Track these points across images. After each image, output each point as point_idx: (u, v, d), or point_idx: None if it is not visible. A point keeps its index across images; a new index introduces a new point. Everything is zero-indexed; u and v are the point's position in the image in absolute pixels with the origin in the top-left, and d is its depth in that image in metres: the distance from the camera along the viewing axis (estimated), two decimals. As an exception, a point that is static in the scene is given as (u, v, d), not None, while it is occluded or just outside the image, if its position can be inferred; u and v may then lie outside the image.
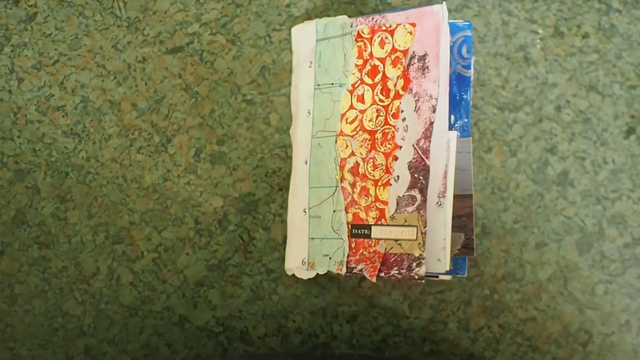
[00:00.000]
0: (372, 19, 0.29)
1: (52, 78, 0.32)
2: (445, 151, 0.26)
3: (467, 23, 0.30)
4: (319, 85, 0.30)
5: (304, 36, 0.30)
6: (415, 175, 0.27)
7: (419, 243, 0.26)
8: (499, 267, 0.31)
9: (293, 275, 0.30)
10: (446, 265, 0.26)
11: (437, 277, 0.29)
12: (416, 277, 0.26)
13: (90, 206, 0.31)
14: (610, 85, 0.30)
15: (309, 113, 0.30)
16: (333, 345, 0.31)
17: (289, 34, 0.31)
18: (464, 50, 0.30)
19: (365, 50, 0.29)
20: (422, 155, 0.27)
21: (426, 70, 0.27)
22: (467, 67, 0.30)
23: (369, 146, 0.28)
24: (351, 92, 0.29)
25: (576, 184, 0.30)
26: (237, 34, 0.31)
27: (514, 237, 0.31)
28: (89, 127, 0.32)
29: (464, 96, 0.30)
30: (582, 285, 0.30)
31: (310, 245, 0.30)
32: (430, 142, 0.26)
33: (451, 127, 0.30)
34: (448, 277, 0.30)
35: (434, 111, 0.27)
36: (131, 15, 0.32)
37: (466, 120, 0.30)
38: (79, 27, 0.32)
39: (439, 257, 0.26)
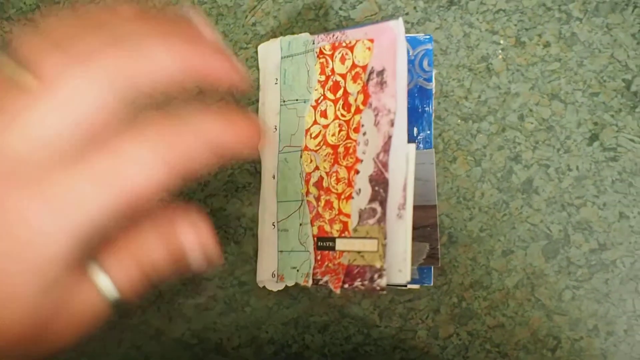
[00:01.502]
0: (333, 35, 0.29)
1: (28, 101, 0.33)
2: (405, 164, 0.27)
3: (427, 37, 0.30)
4: (284, 101, 0.31)
5: (270, 53, 0.31)
6: (376, 188, 0.27)
7: (380, 255, 0.27)
8: (466, 275, 0.31)
9: (264, 287, 0.31)
10: (407, 276, 0.26)
11: (405, 286, 0.30)
12: (378, 288, 0.26)
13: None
14: (573, 93, 0.31)
15: (276, 129, 0.31)
16: (306, 355, 0.31)
17: (255, 52, 0.32)
18: (425, 63, 0.31)
19: (327, 67, 0.30)
20: (382, 169, 0.27)
21: (384, 85, 0.27)
22: (429, 79, 0.30)
23: (332, 160, 0.29)
24: (315, 107, 0.30)
25: (541, 192, 0.31)
26: (205, 53, 0.32)
27: (481, 245, 0.31)
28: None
29: (426, 108, 0.31)
30: (550, 291, 0.31)
31: (279, 258, 0.30)
32: (389, 155, 0.27)
33: (414, 139, 0.31)
34: (416, 286, 0.30)
35: (392, 125, 0.27)
36: (102, 38, 0.32)
37: (429, 132, 0.31)
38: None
39: (400, 268, 0.26)
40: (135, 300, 0.22)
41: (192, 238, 0.21)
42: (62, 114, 0.19)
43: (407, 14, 0.31)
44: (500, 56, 0.31)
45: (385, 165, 0.27)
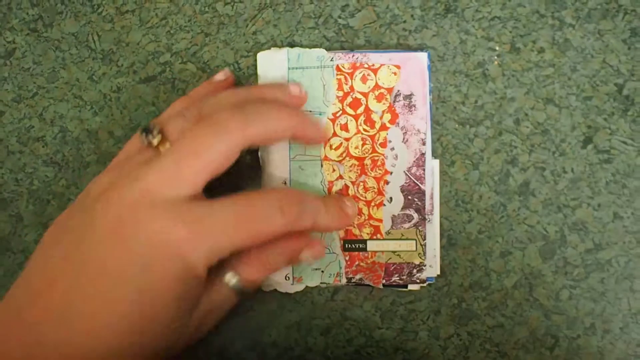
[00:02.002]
0: (353, 56, 0.31)
1: (31, 110, 0.33)
2: (431, 177, 0.31)
3: (425, 53, 0.31)
4: None
5: (272, 63, 0.32)
6: (409, 197, 0.31)
7: (419, 253, 0.31)
8: (465, 277, 0.32)
9: (273, 290, 0.31)
10: (437, 270, 0.31)
11: (406, 287, 0.31)
12: (418, 281, 0.31)
13: (72, 231, 0.33)
14: (567, 97, 0.32)
15: None
16: (308, 358, 0.32)
17: (256, 60, 0.32)
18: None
19: (346, 84, 0.31)
20: (416, 181, 0.31)
21: (413, 108, 0.31)
22: (429, 95, 0.32)
23: (359, 171, 0.31)
24: (333, 120, 0.32)
25: (537, 194, 0.32)
26: (207, 61, 0.33)
27: (479, 246, 0.32)
28: (68, 156, 0.33)
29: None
30: (547, 291, 0.31)
31: None
32: (424, 170, 0.31)
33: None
34: (416, 287, 0.31)
35: (423, 144, 0.31)
36: (105, 48, 0.33)
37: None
38: (55, 60, 0.33)
39: (430, 264, 0.31)
40: (255, 287, 0.29)
41: (310, 255, 0.29)
42: (192, 161, 0.25)
43: (404, 21, 0.32)
44: (496, 62, 0.32)
45: (419, 178, 0.31)
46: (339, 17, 0.32)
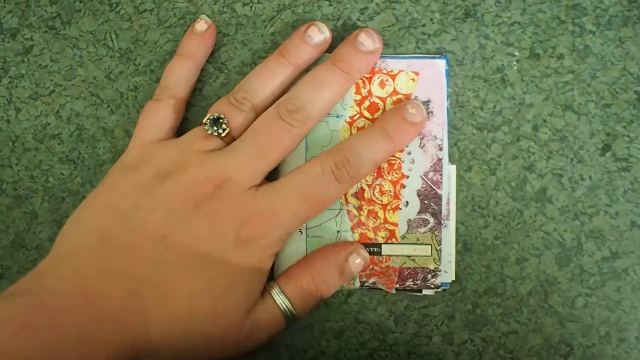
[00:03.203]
0: None
1: (48, 107, 0.33)
2: (447, 181, 0.31)
3: (444, 58, 0.31)
4: None
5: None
6: (426, 202, 0.31)
7: (434, 258, 0.31)
8: (480, 282, 0.32)
9: None
10: (452, 276, 0.31)
11: (420, 292, 0.31)
12: (432, 286, 0.31)
13: (86, 230, 0.33)
14: (586, 104, 0.31)
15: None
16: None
17: (274, 61, 0.32)
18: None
19: (364, 88, 0.31)
20: (433, 186, 0.31)
21: (430, 114, 0.31)
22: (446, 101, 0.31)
23: (375, 174, 0.31)
24: (350, 123, 0.31)
25: (554, 201, 0.31)
26: (224, 62, 0.33)
27: (495, 252, 0.32)
28: (84, 154, 0.33)
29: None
30: (562, 298, 0.31)
31: None
32: (441, 175, 0.31)
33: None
34: (431, 292, 0.31)
35: (440, 149, 0.31)
36: (123, 46, 0.33)
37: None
38: (73, 58, 0.33)
39: (446, 270, 0.31)
40: (305, 314, 0.30)
41: (361, 265, 0.30)
42: (269, 156, 0.28)
43: (423, 25, 0.32)
44: (515, 67, 0.32)
45: (436, 183, 0.31)
46: (358, 19, 0.32)
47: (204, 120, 0.29)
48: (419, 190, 0.31)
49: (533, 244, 0.31)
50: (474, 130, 0.32)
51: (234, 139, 0.29)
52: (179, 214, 0.26)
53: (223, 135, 0.28)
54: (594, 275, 0.31)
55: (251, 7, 0.33)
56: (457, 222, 0.32)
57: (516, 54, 0.32)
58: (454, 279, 0.31)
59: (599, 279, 0.31)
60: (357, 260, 0.30)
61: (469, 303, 0.32)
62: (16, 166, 0.33)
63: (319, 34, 0.30)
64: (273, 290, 0.29)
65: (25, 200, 0.33)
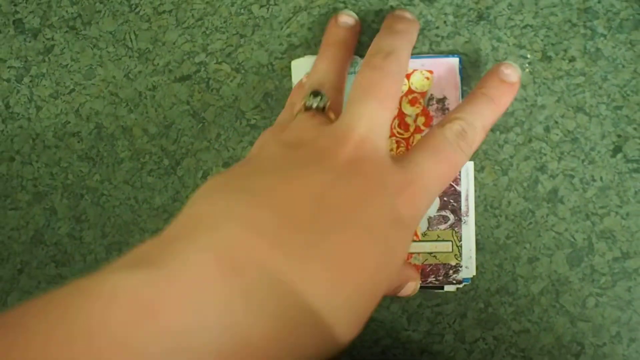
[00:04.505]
0: None
1: (68, 106, 0.34)
2: (466, 178, 0.31)
3: (457, 57, 0.32)
4: None
5: (306, 69, 0.32)
6: (445, 199, 0.31)
7: (455, 254, 0.31)
8: (492, 281, 0.32)
9: None
10: (472, 271, 0.31)
11: (442, 288, 0.31)
12: (454, 282, 0.31)
13: (104, 226, 0.33)
14: (597, 106, 0.32)
15: None
16: (334, 357, 0.32)
17: (290, 62, 0.33)
18: (455, 79, 0.32)
19: None
20: (452, 183, 0.31)
21: (446, 111, 0.31)
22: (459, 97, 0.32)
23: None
24: None
25: (566, 201, 0.32)
26: (242, 62, 0.33)
27: (507, 252, 0.32)
28: (103, 152, 0.34)
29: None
30: (574, 298, 0.32)
31: None
32: (459, 172, 0.31)
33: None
34: (453, 288, 0.31)
35: None
36: (142, 47, 0.34)
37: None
38: (93, 58, 0.34)
39: (467, 265, 0.31)
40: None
41: (413, 289, 0.30)
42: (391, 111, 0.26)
43: (437, 27, 0.33)
44: (527, 70, 0.32)
45: (455, 180, 0.31)
46: (373, 21, 0.33)
47: (300, 106, 0.28)
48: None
49: (545, 243, 0.32)
50: (487, 131, 0.32)
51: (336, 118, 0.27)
52: (333, 174, 0.23)
53: (326, 106, 0.27)
54: (605, 275, 0.31)
55: (268, 9, 0.33)
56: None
57: (528, 56, 0.32)
58: (474, 274, 0.31)
59: (609, 279, 0.31)
60: (410, 289, 0.30)
61: (481, 302, 0.32)
62: (36, 163, 0.34)
63: (351, 19, 0.31)
64: None
65: (44, 196, 0.34)
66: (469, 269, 0.31)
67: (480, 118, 0.27)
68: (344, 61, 0.30)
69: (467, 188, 0.31)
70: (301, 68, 0.32)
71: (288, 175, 0.23)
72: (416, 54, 0.32)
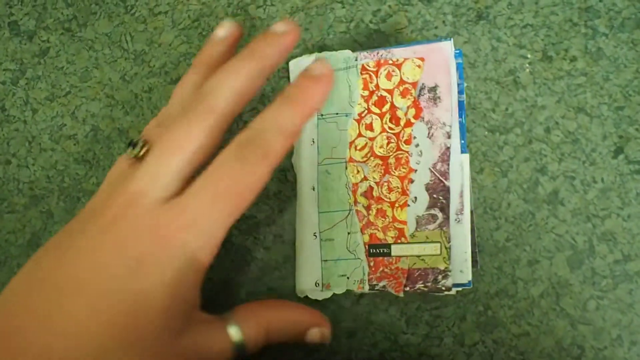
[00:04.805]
0: (377, 53, 0.31)
1: (64, 108, 0.34)
2: (460, 172, 0.29)
3: (457, 51, 0.31)
4: (322, 115, 0.31)
5: (302, 69, 0.31)
6: (434, 196, 0.30)
7: (444, 257, 0.29)
8: (492, 284, 0.32)
9: (305, 297, 0.31)
10: (468, 275, 0.29)
11: (450, 290, 0.30)
12: (443, 288, 0.29)
13: (101, 229, 0.33)
14: (598, 106, 0.31)
15: (313, 142, 0.32)
16: (333, 361, 0.32)
17: (287, 64, 0.33)
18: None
19: (371, 82, 0.31)
20: (441, 177, 0.29)
21: (438, 100, 0.30)
22: (461, 92, 0.31)
23: (383, 171, 0.30)
24: (358, 121, 0.31)
25: (566, 203, 0.31)
26: (238, 63, 0.33)
27: (507, 254, 0.32)
28: (99, 154, 0.33)
29: (459, 119, 0.31)
30: (574, 301, 0.31)
31: (323, 267, 0.31)
32: (448, 165, 0.29)
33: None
34: (455, 290, 0.30)
35: (449, 137, 0.30)
36: (138, 48, 0.33)
37: (462, 141, 0.31)
38: (88, 60, 0.33)
39: (461, 269, 0.29)
40: (253, 351, 0.27)
41: (318, 335, 0.29)
42: (171, 156, 0.25)
43: (436, 27, 0.32)
44: (527, 70, 0.32)
45: (444, 174, 0.29)
46: (370, 21, 0.32)
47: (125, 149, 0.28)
48: (427, 184, 0.30)
49: (545, 246, 0.31)
50: (486, 133, 0.32)
51: None
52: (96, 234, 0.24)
53: (139, 155, 0.26)
54: (606, 277, 0.31)
55: (264, 10, 0.33)
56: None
57: (529, 56, 0.32)
58: (470, 278, 0.29)
59: (611, 281, 0.31)
60: (315, 335, 0.29)
61: (481, 305, 0.32)
62: (32, 166, 0.34)
63: (221, 32, 0.29)
64: (230, 321, 0.27)
65: (41, 199, 0.33)
66: (463, 273, 0.29)
67: (275, 121, 0.25)
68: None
69: (462, 183, 0.29)
70: (298, 67, 0.32)
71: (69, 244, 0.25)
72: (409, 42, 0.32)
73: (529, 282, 0.31)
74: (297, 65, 0.32)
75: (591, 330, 0.31)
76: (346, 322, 0.32)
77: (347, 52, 0.31)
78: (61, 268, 0.24)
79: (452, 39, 0.30)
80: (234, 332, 0.26)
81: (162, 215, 0.24)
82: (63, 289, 0.23)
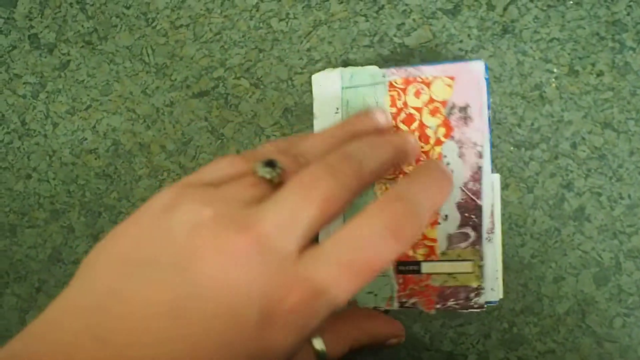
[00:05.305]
0: (406, 70, 0.30)
1: (85, 122, 0.33)
2: (491, 192, 0.30)
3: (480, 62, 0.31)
4: None
5: (327, 83, 0.31)
6: (466, 215, 0.30)
7: (477, 275, 0.30)
8: (517, 301, 0.31)
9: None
10: (500, 293, 0.30)
11: (484, 307, 0.30)
12: (475, 305, 0.30)
13: (122, 244, 0.33)
14: (625, 122, 0.31)
15: None
16: (356, 378, 0.32)
17: (310, 77, 0.32)
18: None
19: (399, 100, 0.31)
20: (473, 197, 0.30)
21: (469, 119, 0.30)
22: (487, 107, 0.31)
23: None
24: None
25: (592, 219, 0.31)
26: (260, 77, 0.33)
27: (532, 271, 0.31)
28: (120, 169, 0.33)
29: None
30: (600, 318, 0.31)
31: None
32: (480, 184, 0.30)
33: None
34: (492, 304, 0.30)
35: (480, 157, 0.30)
36: (159, 62, 0.33)
37: (491, 161, 0.31)
38: (109, 73, 0.33)
39: (492, 287, 0.30)
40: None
41: (393, 342, 0.30)
42: (311, 209, 0.22)
43: (461, 41, 0.32)
44: (553, 84, 0.31)
45: (476, 193, 0.30)
46: (395, 35, 0.32)
47: (251, 167, 0.24)
48: (459, 202, 0.30)
49: (571, 262, 0.31)
50: (512, 148, 0.32)
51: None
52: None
53: (274, 180, 0.23)
54: (632, 295, 0.31)
55: (287, 23, 0.32)
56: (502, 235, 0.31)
57: (555, 70, 0.31)
58: (501, 296, 0.30)
59: (637, 299, 0.31)
60: (392, 342, 0.31)
61: (506, 322, 0.31)
62: (53, 180, 0.33)
63: (382, 118, 0.29)
64: (315, 341, 0.27)
65: (62, 214, 0.33)
66: (494, 291, 0.30)
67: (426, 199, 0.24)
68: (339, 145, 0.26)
69: (492, 203, 0.30)
70: (324, 82, 0.32)
71: (170, 269, 0.21)
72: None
73: (555, 299, 0.31)
74: (321, 80, 0.32)
75: (617, 348, 0.31)
76: (370, 339, 0.32)
77: (374, 69, 0.31)
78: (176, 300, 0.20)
79: (483, 60, 0.30)
80: (318, 344, 0.27)
81: (294, 268, 0.21)
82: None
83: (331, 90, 0.31)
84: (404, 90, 0.31)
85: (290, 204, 0.22)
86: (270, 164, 0.23)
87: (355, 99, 0.31)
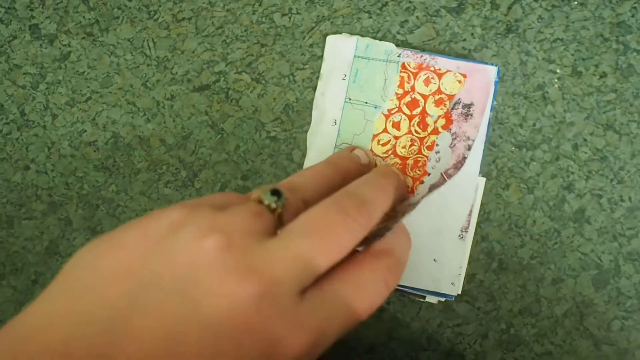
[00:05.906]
0: (421, 56, 0.31)
1: (84, 114, 0.33)
2: (474, 193, 0.31)
3: (494, 67, 0.31)
4: (350, 99, 0.31)
5: (341, 47, 0.31)
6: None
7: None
8: (515, 302, 0.31)
9: None
10: (458, 289, 0.31)
11: (423, 298, 0.31)
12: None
13: (120, 237, 0.33)
14: (628, 124, 0.31)
15: (335, 123, 0.31)
16: (353, 376, 0.32)
17: (312, 73, 0.32)
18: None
19: (408, 82, 0.31)
20: (446, 179, 0.31)
21: (469, 117, 0.31)
22: (491, 109, 0.31)
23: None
24: (387, 116, 0.31)
25: (592, 221, 0.31)
26: (262, 72, 0.32)
27: (531, 272, 0.31)
28: (119, 162, 0.33)
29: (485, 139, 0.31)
30: (598, 321, 0.31)
31: None
32: (459, 171, 0.30)
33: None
34: (434, 301, 0.31)
35: (469, 149, 0.31)
36: (160, 55, 0.33)
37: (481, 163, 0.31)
38: (110, 65, 0.33)
39: (453, 282, 0.31)
40: None
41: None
42: (325, 252, 0.22)
43: (464, 40, 0.32)
44: (556, 85, 0.31)
45: (450, 177, 0.31)
46: (398, 32, 0.32)
47: (257, 194, 0.24)
48: (432, 184, 0.31)
49: (570, 264, 0.31)
50: (513, 148, 0.31)
51: (282, 224, 0.24)
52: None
53: (278, 209, 0.23)
54: (631, 298, 0.31)
55: (290, 18, 0.32)
56: (493, 240, 0.31)
57: (558, 71, 0.31)
58: (459, 293, 0.30)
59: (636, 302, 0.31)
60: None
61: (503, 322, 0.31)
62: (51, 172, 0.33)
63: (364, 157, 0.30)
64: None
65: (60, 206, 0.33)
66: (455, 286, 0.30)
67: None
68: (331, 183, 0.27)
69: (473, 204, 0.31)
70: (338, 46, 0.31)
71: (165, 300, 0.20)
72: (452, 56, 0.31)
73: (553, 301, 0.31)
74: (335, 42, 0.31)
75: (615, 351, 0.31)
76: (367, 338, 0.32)
77: (391, 46, 0.31)
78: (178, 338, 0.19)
79: (497, 67, 0.30)
80: None
81: (296, 313, 0.21)
82: None
83: (344, 56, 0.31)
84: (415, 74, 0.31)
85: (302, 249, 0.21)
86: (276, 193, 0.23)
87: (365, 70, 0.31)
